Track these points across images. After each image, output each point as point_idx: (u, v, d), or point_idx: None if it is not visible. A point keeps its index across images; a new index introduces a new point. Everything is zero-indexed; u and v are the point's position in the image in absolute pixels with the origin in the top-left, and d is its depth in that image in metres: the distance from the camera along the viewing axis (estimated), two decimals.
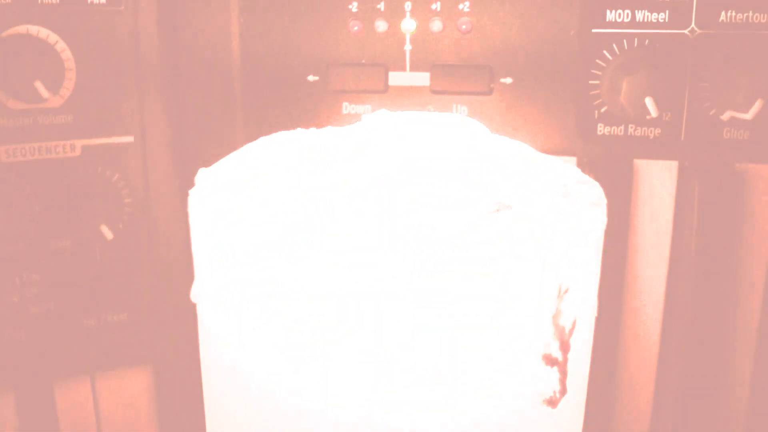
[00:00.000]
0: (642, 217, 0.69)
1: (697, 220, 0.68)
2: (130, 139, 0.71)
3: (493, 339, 0.48)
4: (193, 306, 0.56)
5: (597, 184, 0.54)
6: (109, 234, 0.69)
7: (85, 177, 0.70)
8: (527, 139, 0.69)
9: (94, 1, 0.68)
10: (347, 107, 0.71)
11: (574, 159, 0.70)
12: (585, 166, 0.69)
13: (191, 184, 0.55)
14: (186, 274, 0.74)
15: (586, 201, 0.52)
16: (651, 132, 0.68)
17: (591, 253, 0.53)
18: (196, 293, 0.53)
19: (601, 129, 0.68)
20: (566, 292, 0.50)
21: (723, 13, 0.65)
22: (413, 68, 0.70)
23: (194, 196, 0.51)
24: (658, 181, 0.69)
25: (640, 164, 0.69)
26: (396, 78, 0.70)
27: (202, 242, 0.51)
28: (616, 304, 0.70)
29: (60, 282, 0.71)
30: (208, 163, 0.73)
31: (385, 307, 0.47)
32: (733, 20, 0.65)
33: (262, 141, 0.57)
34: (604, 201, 0.53)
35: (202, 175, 0.53)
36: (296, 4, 0.71)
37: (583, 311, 0.52)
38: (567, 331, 0.50)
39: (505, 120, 0.70)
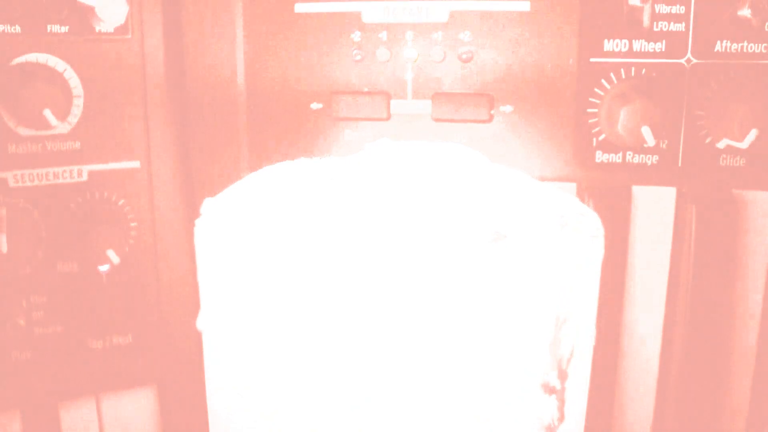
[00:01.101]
0: (640, 242, 0.70)
1: (694, 245, 0.69)
2: (136, 164, 0.72)
3: (492, 367, 0.49)
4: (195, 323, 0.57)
5: (595, 214, 0.55)
6: (115, 258, 0.70)
7: (92, 202, 0.71)
8: (527, 165, 0.70)
9: (102, 30, 0.69)
10: (350, 134, 0.73)
11: (574, 185, 0.70)
12: (584, 192, 0.70)
13: (196, 209, 0.56)
14: (190, 296, 0.75)
15: (585, 231, 0.53)
16: (649, 159, 0.69)
17: (589, 282, 0.54)
18: (203, 322, 0.54)
19: (600, 156, 0.69)
20: (564, 321, 0.51)
21: (718, 43, 0.66)
22: (415, 96, 0.71)
23: (200, 226, 0.52)
24: (656, 207, 0.70)
25: (639, 190, 0.70)
26: (398, 106, 0.72)
27: (208, 272, 0.52)
28: (614, 330, 0.71)
29: (66, 304, 0.72)
30: (213, 187, 0.74)
31: (387, 332, 0.48)
32: (728, 50, 0.66)
33: (266, 170, 0.59)
34: (602, 232, 0.54)
35: (208, 205, 0.54)
36: (300, 32, 0.72)
37: (581, 339, 0.53)
38: (565, 359, 0.51)
39: (506, 147, 0.71)
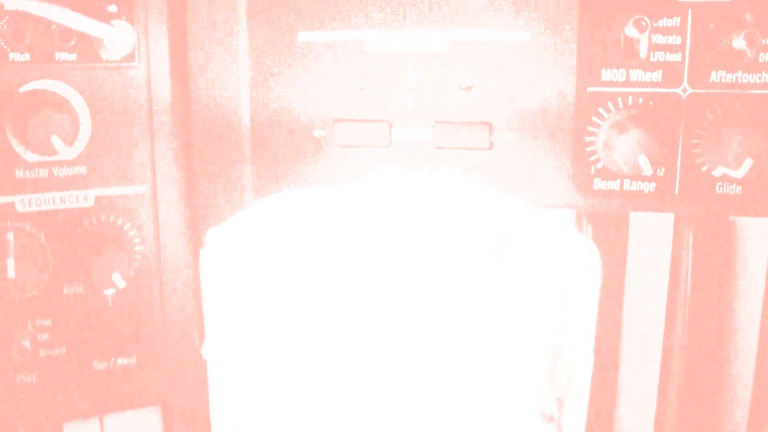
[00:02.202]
0: (638, 267, 0.71)
1: (691, 270, 0.70)
2: (142, 190, 0.73)
3: (490, 396, 0.50)
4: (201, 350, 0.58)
5: (593, 244, 0.56)
6: (120, 281, 0.71)
7: (98, 226, 0.72)
8: (527, 192, 0.71)
9: (109, 59, 0.70)
10: (352, 161, 0.73)
11: (573, 212, 0.71)
12: (583, 218, 0.71)
13: (200, 234, 0.57)
14: (194, 318, 0.76)
15: (583, 254, 0.54)
16: (646, 186, 0.70)
17: (586, 309, 0.55)
18: (208, 350, 0.55)
19: (598, 183, 0.70)
20: (562, 349, 0.52)
21: (714, 73, 0.67)
22: (416, 124, 0.72)
23: (205, 256, 0.53)
24: (653, 233, 0.71)
25: (636, 217, 0.71)
26: (399, 133, 0.73)
27: (213, 300, 0.53)
28: (612, 357, 0.71)
29: (71, 327, 0.73)
30: (217, 211, 0.75)
31: (388, 354, 0.49)
32: (723, 80, 0.67)
33: (270, 200, 0.60)
34: (599, 261, 0.55)
35: (213, 235, 0.55)
36: (304, 61, 0.73)
37: (579, 367, 0.54)
38: (563, 388, 0.52)
39: (505, 174, 0.72)
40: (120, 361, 0.75)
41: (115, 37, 0.69)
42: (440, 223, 0.56)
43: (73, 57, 0.70)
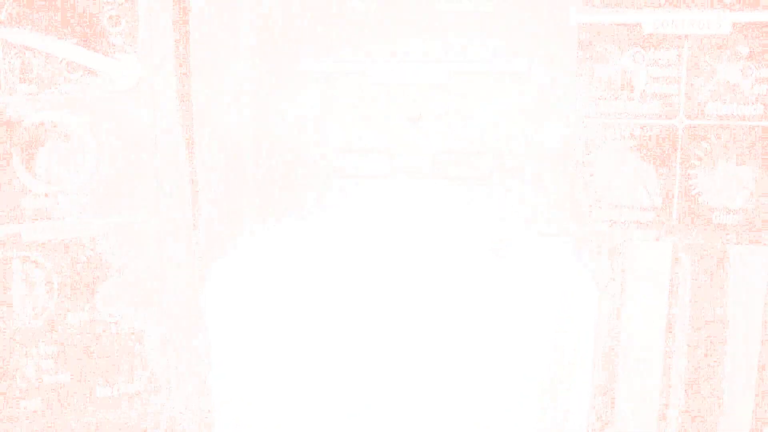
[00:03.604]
0: (636, 297, 0.71)
1: (689, 298, 0.70)
2: (146, 218, 0.74)
3: (488, 412, 0.50)
4: (204, 375, 0.59)
5: (590, 277, 0.57)
6: (124, 309, 0.72)
7: (102, 254, 0.73)
8: (526, 222, 0.72)
9: (115, 89, 0.72)
10: (353, 191, 0.74)
11: (572, 241, 0.72)
12: (582, 248, 0.72)
13: (204, 262, 0.57)
14: (198, 346, 0.77)
15: (579, 278, 0.55)
16: (644, 216, 0.71)
17: (582, 341, 0.55)
18: (212, 380, 0.56)
19: (597, 213, 0.71)
20: (559, 380, 0.52)
21: (710, 104, 0.68)
22: (417, 154, 0.73)
23: (210, 289, 0.54)
24: (652, 262, 0.71)
25: (635, 246, 0.72)
26: (400, 163, 0.74)
27: (219, 331, 0.54)
28: (610, 388, 0.72)
29: (76, 354, 0.73)
30: (221, 240, 0.76)
31: (390, 379, 0.50)
32: (719, 111, 0.68)
33: (273, 232, 0.61)
34: (595, 293, 0.55)
35: (217, 268, 0.56)
36: (305, 89, 0.74)
37: (576, 401, 0.54)
38: (561, 416, 0.53)
39: (505, 204, 0.73)
40: (124, 388, 0.75)
41: (120, 69, 0.70)
42: (440, 226, 0.57)
43: (79, 88, 0.71)
